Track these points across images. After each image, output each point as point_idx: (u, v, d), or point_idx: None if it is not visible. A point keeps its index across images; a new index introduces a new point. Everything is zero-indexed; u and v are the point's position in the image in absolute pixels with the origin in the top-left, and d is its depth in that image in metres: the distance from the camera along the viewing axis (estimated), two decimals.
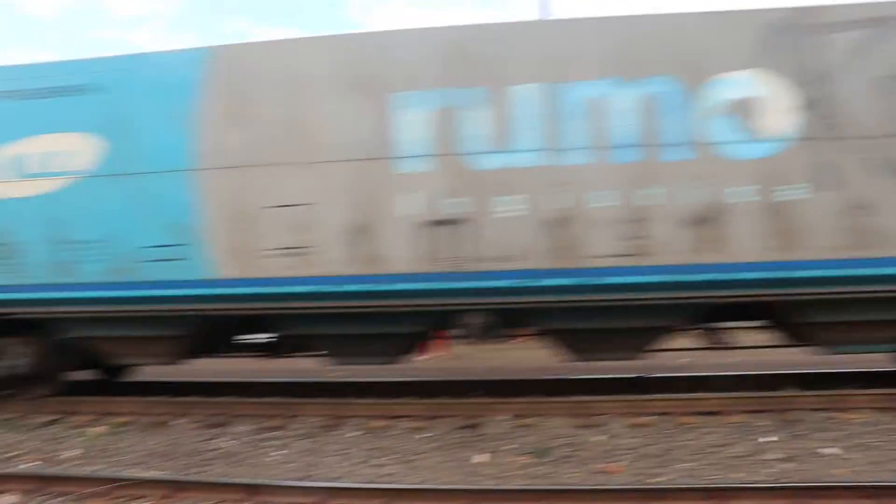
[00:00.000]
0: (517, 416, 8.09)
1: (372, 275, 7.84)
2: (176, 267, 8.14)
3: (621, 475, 6.11)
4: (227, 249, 8.09)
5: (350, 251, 7.86)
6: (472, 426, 7.89)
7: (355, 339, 8.39)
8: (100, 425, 8.44)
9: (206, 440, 7.74)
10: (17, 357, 8.97)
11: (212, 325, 8.74)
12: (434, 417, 8.20)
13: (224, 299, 8.20)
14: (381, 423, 8.12)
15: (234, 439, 7.75)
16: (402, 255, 7.79)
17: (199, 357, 9.23)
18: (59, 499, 5.93)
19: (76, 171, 8.38)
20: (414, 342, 8.61)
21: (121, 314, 8.48)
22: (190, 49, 8.27)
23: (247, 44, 8.26)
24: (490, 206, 7.66)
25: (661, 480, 5.89)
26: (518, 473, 6.29)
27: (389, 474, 6.40)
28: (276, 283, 8.01)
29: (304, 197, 7.95)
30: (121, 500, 5.80)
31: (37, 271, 8.49)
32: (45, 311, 8.65)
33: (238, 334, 9.53)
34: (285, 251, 7.97)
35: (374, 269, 7.83)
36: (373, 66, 7.85)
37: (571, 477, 6.14)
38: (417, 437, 7.61)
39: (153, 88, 8.23)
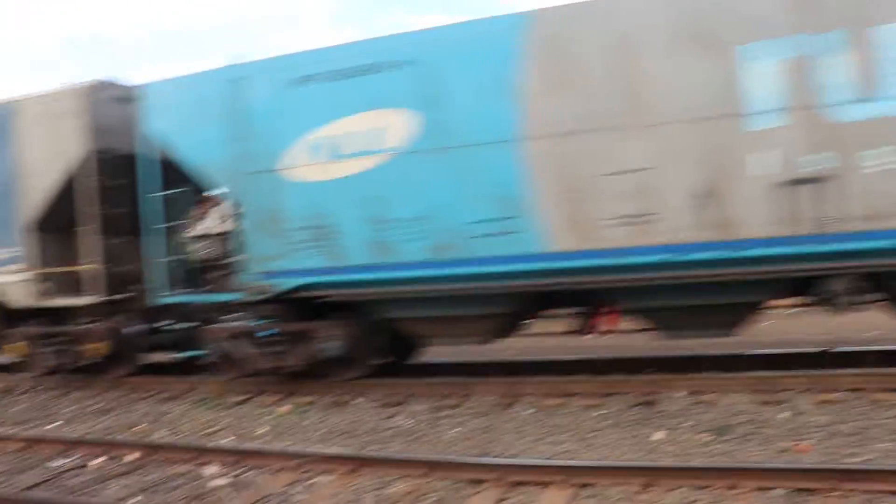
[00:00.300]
0: (693, 393, 7.77)
1: (722, 241, 7.29)
2: (505, 241, 7.88)
3: (810, 454, 5.73)
4: (562, 221, 7.76)
5: (697, 217, 7.37)
6: (648, 403, 7.66)
7: (689, 311, 7.87)
8: (285, 405, 8.88)
9: (385, 418, 7.97)
10: (332, 340, 9.01)
11: (532, 301, 8.61)
12: (608, 395, 8.02)
13: (558, 273, 7.87)
14: (555, 401, 8.05)
15: (410, 418, 7.94)
16: (756, 219, 7.20)
17: (508, 336, 9.29)
18: (253, 471, 6.30)
19: (392, 149, 8.33)
20: (751, 311, 8.02)
21: (441, 293, 8.39)
22: (506, 15, 8.01)
23: (569, 4, 7.86)
24: (857, 161, 6.88)
25: (858, 461, 5.47)
26: (699, 451, 6.05)
27: (567, 451, 6.33)
28: (617, 253, 7.60)
29: (644, 161, 7.46)
30: (309, 473, 6.08)
31: (356, 253, 8.52)
32: (364, 292, 8.71)
33: (547, 310, 9.43)
34: (625, 219, 7.56)
35: (725, 235, 7.28)
36: (715, 17, 7.28)
37: (755, 455, 5.83)
38: (593, 414, 7.49)
39: (470, 58, 8.02)
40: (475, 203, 7.98)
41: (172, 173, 9.68)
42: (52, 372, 10.85)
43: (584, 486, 5.27)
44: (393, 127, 8.29)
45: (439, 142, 8.12)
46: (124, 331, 10.41)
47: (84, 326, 10.41)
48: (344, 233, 8.53)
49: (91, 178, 10.07)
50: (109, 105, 10.42)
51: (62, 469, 6.78)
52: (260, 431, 7.83)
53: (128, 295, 10.47)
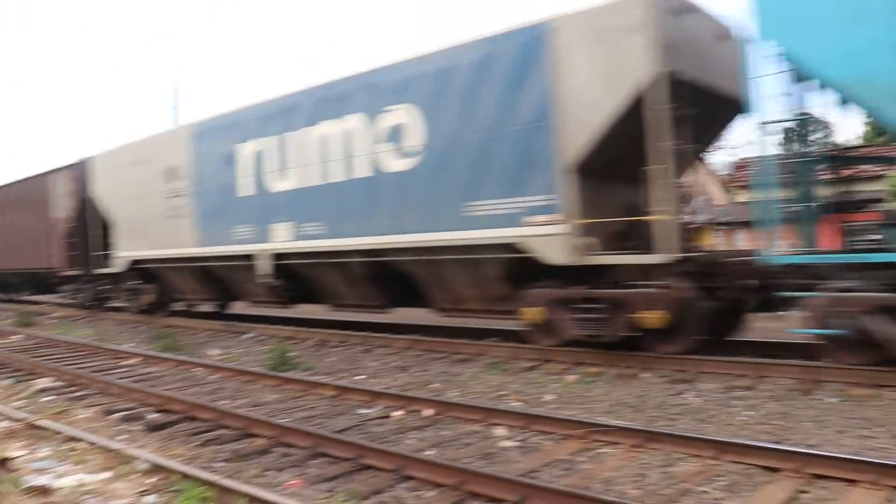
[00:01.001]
0: None
1: None
2: None
3: None
4: None
5: None
6: None
7: None
8: (572, 374, 8.97)
9: (673, 395, 7.76)
10: None
11: None
12: None
13: None
14: (864, 391, 7.31)
15: (700, 396, 7.65)
16: None
17: None
18: (539, 437, 6.45)
19: None
20: None
21: None
22: None
23: None
24: None
25: None
26: None
27: (879, 448, 5.72)
28: None
29: None
30: (595, 444, 6.10)
31: None
32: None
33: None
34: None
35: None
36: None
37: None
38: None
39: None
40: None
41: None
42: (576, 343, 9.58)
43: None
44: None
45: None
46: (691, 298, 8.73)
47: (640, 290, 8.90)
48: None
49: (662, 106, 8.53)
50: (679, 18, 8.98)
51: (369, 417, 7.45)
52: (547, 398, 7.99)
53: (703, 253, 9.52)
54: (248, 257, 13.80)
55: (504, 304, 10.42)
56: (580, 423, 6.41)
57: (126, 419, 7.77)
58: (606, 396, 7.91)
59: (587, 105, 8.98)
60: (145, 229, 16.73)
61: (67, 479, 5.48)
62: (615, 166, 9.34)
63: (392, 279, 12.01)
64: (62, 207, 20.05)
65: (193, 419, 7.58)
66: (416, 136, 10.91)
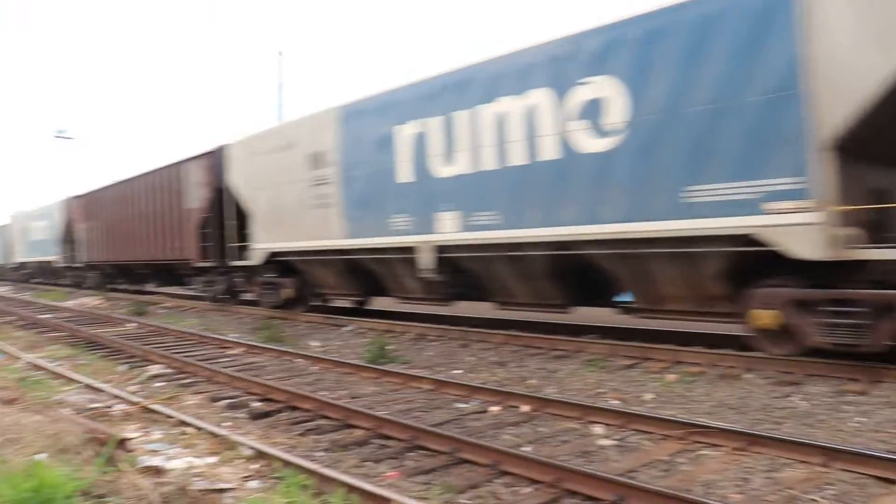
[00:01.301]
0: None
1: None
2: None
3: None
4: None
5: None
6: None
7: None
8: (672, 373, 8.78)
9: (778, 397, 7.49)
10: None
11: None
12: None
13: None
14: None
15: (807, 399, 7.35)
16: None
17: None
18: (637, 436, 6.35)
19: None
20: None
21: None
22: None
23: None
24: None
25: None
26: None
27: None
28: None
29: None
30: (695, 446, 5.96)
31: None
32: None
33: None
34: None
35: None
36: None
37: None
38: None
39: None
40: None
41: None
42: (819, 353, 8.21)
43: None
44: None
45: None
46: None
47: None
48: None
49: None
50: None
51: (466, 412, 7.50)
52: (646, 397, 7.85)
53: None
54: (404, 250, 12.74)
55: (718, 305, 9.29)
56: (680, 424, 6.27)
57: (231, 406, 8.07)
58: (708, 397, 7.71)
59: (852, 69, 7.48)
60: (286, 220, 15.75)
61: (177, 462, 5.73)
62: (872, 144, 8.09)
63: (577, 275, 10.99)
64: (195, 197, 19.63)
65: (295, 408, 7.80)
66: (617, 111, 9.55)
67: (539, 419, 7.09)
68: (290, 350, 11.64)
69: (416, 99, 12.60)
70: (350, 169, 13.96)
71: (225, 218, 18.41)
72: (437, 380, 8.76)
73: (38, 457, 4.77)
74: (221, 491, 5.04)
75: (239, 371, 9.86)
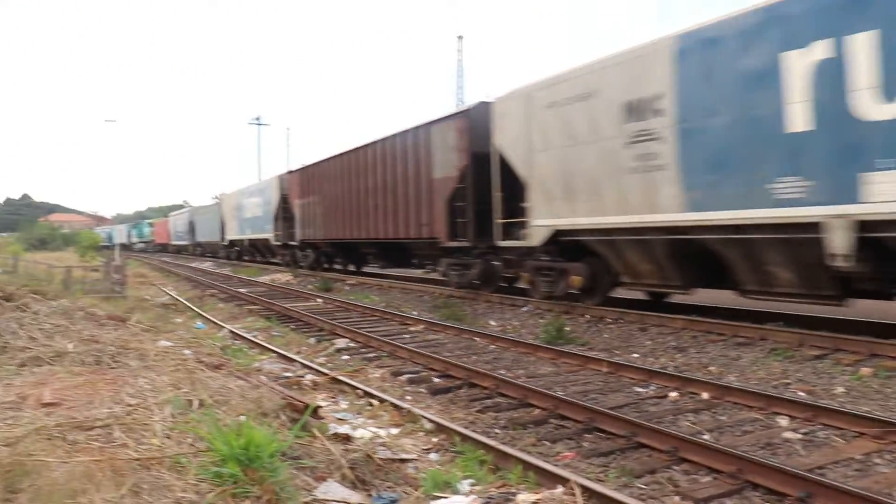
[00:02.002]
0: None
1: None
2: None
3: None
4: None
5: None
6: None
7: None
8: (867, 366, 8.26)
9: None
10: None
11: None
12: None
13: None
14: None
15: None
16: None
17: None
18: (827, 431, 6.08)
19: None
20: None
21: None
22: None
23: None
24: None
25: None
26: None
27: None
28: None
29: None
30: (894, 446, 5.63)
31: None
32: None
33: None
34: None
35: None
36: None
37: None
38: None
39: None
40: None
41: None
42: None
43: None
44: None
45: None
46: None
47: None
48: None
49: None
50: None
51: (644, 396, 7.47)
52: (837, 391, 7.47)
53: None
54: (787, 227, 9.22)
55: None
56: (877, 421, 5.93)
57: (412, 381, 8.48)
58: None
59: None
60: (581, 189, 12.44)
61: (363, 431, 6.12)
62: None
63: None
64: (445, 165, 16.50)
65: (473, 385, 8.08)
66: None
67: (720, 407, 6.95)
68: (469, 328, 11.98)
69: (820, 9, 8.79)
70: (693, 119, 10.43)
71: (492, 188, 14.95)
72: (614, 363, 8.75)
73: (241, 418, 5.26)
74: (404, 461, 5.34)
75: (420, 347, 10.30)
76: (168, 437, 4.44)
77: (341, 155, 23.20)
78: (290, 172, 29.14)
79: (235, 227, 38.68)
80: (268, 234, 32.09)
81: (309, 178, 26.43)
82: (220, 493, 3.53)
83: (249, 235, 35.85)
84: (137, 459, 3.83)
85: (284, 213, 29.80)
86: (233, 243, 40.39)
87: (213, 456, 3.91)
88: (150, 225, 78.31)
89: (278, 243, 30.81)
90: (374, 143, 20.42)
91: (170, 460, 3.91)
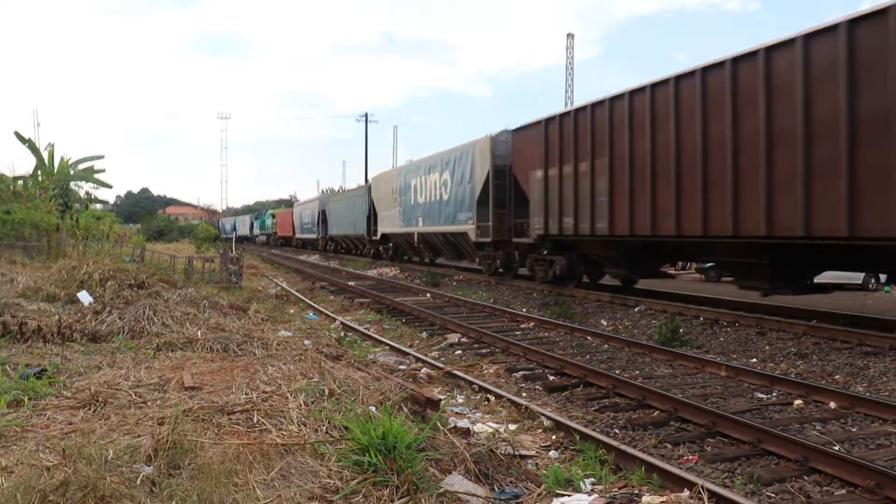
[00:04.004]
0: None
1: None
2: None
3: None
4: None
5: None
6: None
7: None
8: None
9: None
10: None
11: None
12: None
13: None
14: None
15: None
16: None
17: None
18: None
19: None
20: None
21: None
22: None
23: None
24: None
25: None
26: None
27: None
28: None
29: None
30: None
31: None
32: None
33: None
34: None
35: None
36: None
37: None
38: None
39: None
40: None
41: None
42: None
43: None
44: None
45: None
46: None
47: None
48: None
49: None
50: None
51: (767, 402, 7.27)
52: None
53: None
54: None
55: None
56: None
57: (527, 378, 8.51)
58: None
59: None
60: None
61: (482, 426, 6.20)
62: None
63: None
64: None
65: (589, 384, 8.05)
66: None
67: (849, 418, 6.69)
68: (581, 327, 11.92)
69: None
70: None
71: None
72: (733, 367, 8.55)
73: (371, 409, 5.42)
74: (524, 458, 5.39)
75: (532, 344, 10.31)
76: (304, 424, 4.64)
77: (665, 82, 12.76)
78: (518, 129, 19.12)
79: (396, 216, 28.92)
80: (463, 225, 22.14)
81: (575, 131, 15.78)
82: (361, 481, 3.67)
83: (421, 228, 26.21)
84: (283, 445, 4.03)
85: (497, 195, 19.91)
86: (387, 238, 31.14)
87: (351, 444, 4.06)
88: (272, 216, 71.05)
89: (485, 239, 20.72)
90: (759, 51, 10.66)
91: (311, 447, 4.09)
